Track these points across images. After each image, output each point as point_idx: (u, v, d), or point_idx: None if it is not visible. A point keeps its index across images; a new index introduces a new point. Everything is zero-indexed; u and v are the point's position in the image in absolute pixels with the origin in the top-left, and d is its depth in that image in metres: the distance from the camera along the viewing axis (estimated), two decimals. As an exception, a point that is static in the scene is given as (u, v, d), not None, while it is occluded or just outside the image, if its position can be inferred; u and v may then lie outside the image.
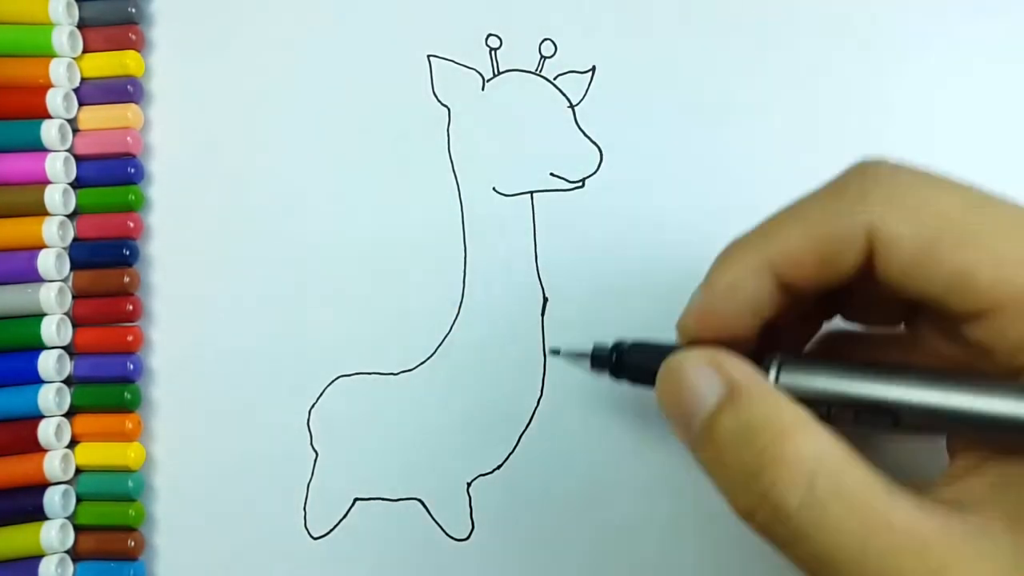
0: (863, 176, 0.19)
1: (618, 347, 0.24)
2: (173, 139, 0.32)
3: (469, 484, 0.30)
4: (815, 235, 0.19)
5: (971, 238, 0.17)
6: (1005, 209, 0.18)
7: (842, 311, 0.23)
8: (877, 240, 0.18)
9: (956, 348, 0.20)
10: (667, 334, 0.29)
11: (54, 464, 0.30)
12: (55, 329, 0.31)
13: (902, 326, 0.23)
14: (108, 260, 0.31)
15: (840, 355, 0.23)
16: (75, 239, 0.32)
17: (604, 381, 0.29)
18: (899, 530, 0.17)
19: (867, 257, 0.18)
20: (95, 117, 0.32)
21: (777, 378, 0.20)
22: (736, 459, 0.18)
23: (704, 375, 0.19)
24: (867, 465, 0.18)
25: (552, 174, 0.30)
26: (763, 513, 0.18)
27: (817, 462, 0.18)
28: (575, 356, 0.25)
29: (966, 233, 0.17)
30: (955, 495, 0.19)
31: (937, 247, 0.17)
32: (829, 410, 0.19)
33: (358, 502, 0.30)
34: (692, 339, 0.21)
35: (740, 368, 0.19)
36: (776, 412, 0.18)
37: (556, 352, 0.26)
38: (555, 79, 0.31)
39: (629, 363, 0.23)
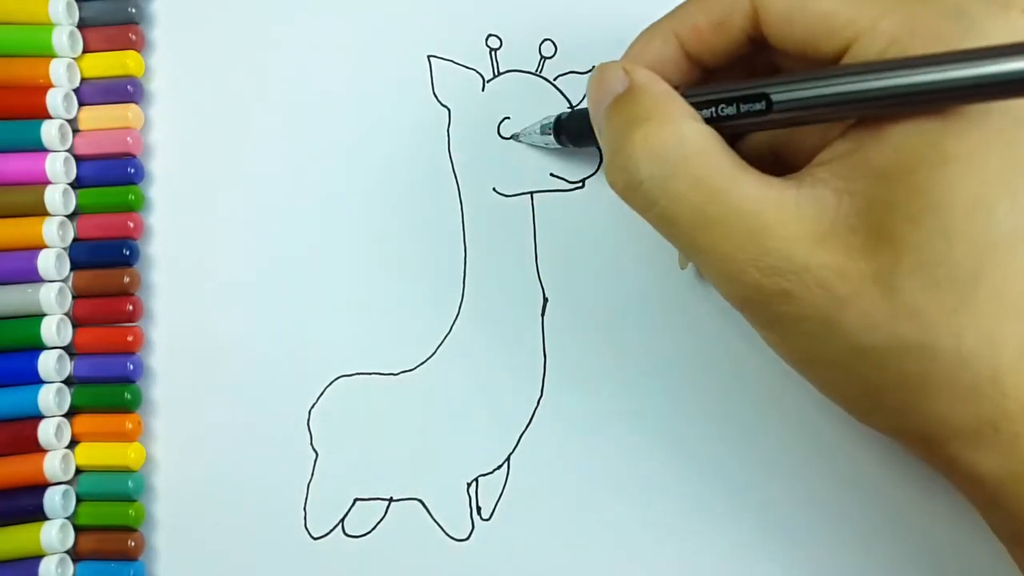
0: None
1: (560, 114, 0.28)
2: (173, 139, 0.32)
3: (469, 484, 0.30)
4: (709, 4, 0.23)
5: None
6: None
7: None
8: (757, 2, 0.22)
9: None
10: (667, 334, 0.30)
11: (54, 464, 0.30)
12: (55, 329, 0.31)
13: None
14: (108, 260, 0.31)
15: None
16: (75, 239, 0.32)
17: (604, 381, 0.30)
18: (733, 199, 0.21)
19: (754, 21, 0.22)
20: (95, 117, 0.32)
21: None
22: (615, 137, 0.23)
23: (614, 74, 0.24)
24: (729, 154, 0.22)
25: (552, 174, 0.30)
26: (621, 182, 0.23)
27: (671, 145, 0.22)
28: (528, 130, 0.30)
29: None
30: (812, 169, 0.22)
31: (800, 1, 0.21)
32: (717, 110, 0.22)
33: (358, 502, 0.30)
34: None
35: (645, 74, 0.23)
36: (654, 106, 0.22)
37: (514, 137, 0.30)
38: (555, 79, 0.31)
39: (568, 124, 0.28)
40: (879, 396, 0.22)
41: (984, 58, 0.18)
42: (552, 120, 0.29)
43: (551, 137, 0.29)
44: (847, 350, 0.21)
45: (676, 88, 0.23)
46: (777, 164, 0.23)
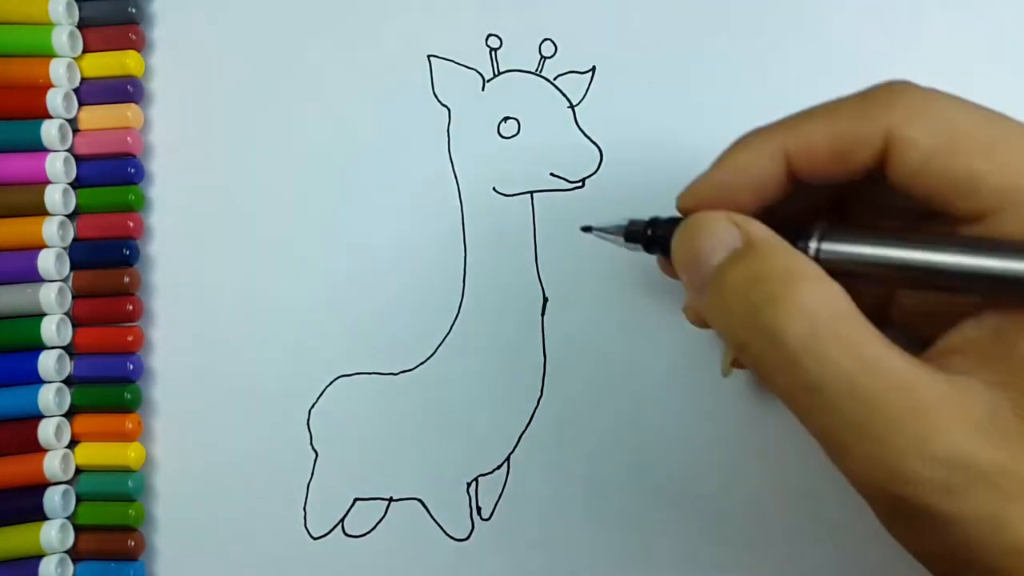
0: (891, 90, 0.21)
1: (654, 221, 0.25)
2: (173, 139, 0.32)
3: (469, 484, 0.30)
4: (835, 131, 0.21)
5: (981, 148, 0.19)
6: (1019, 127, 0.20)
7: (844, 217, 0.25)
8: (893, 143, 0.20)
9: None
10: (667, 334, 0.30)
11: (54, 464, 0.30)
12: (55, 329, 0.31)
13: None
14: (108, 260, 0.31)
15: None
16: (75, 239, 0.32)
17: (604, 380, 0.30)
18: (889, 373, 0.19)
19: (879, 160, 0.20)
20: (95, 117, 0.32)
21: (819, 243, 0.21)
22: (743, 300, 0.20)
23: (724, 227, 0.21)
24: (868, 323, 0.20)
25: (552, 174, 0.30)
26: (759, 342, 0.20)
27: (821, 308, 0.19)
28: (608, 233, 0.26)
29: (978, 144, 0.19)
30: (947, 355, 0.20)
31: (949, 153, 0.19)
32: (868, 274, 0.21)
33: (358, 502, 0.30)
34: (689, 210, 0.23)
35: (758, 226, 0.21)
36: (789, 263, 0.20)
37: (587, 229, 0.27)
38: (555, 79, 0.31)
39: (664, 236, 0.24)
40: None
41: None
42: (640, 224, 0.25)
43: (639, 247, 0.25)
44: (1005, 552, 0.18)
45: (793, 228, 0.22)
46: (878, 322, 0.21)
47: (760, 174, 0.22)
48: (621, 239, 0.25)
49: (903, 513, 0.19)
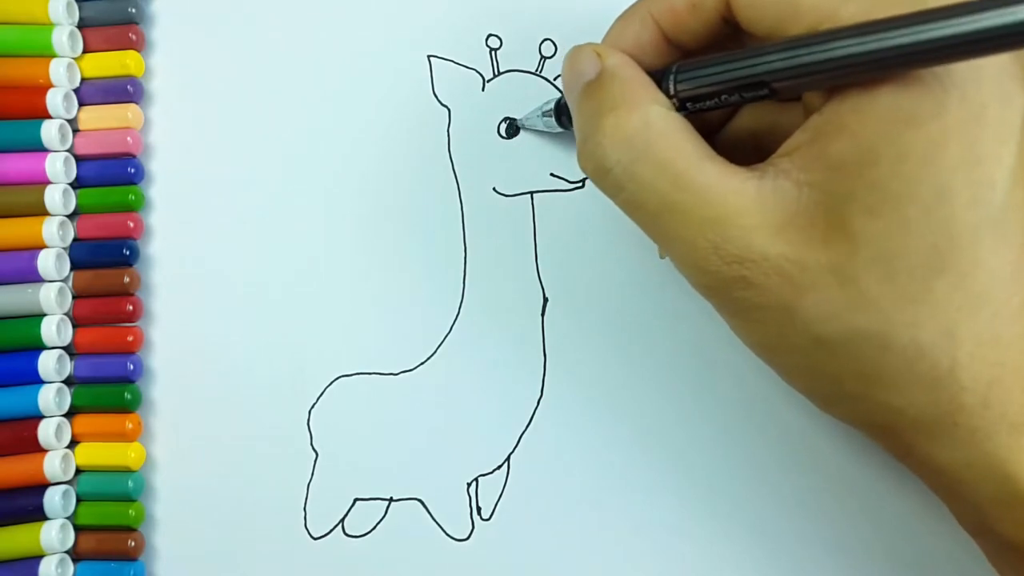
0: None
1: (559, 99, 0.28)
2: (173, 139, 0.32)
3: (469, 484, 0.30)
4: None
5: None
6: None
7: None
8: None
9: None
10: (667, 334, 0.30)
11: (54, 464, 0.30)
12: (55, 329, 0.31)
13: None
14: (108, 260, 0.31)
15: None
16: (75, 239, 0.32)
17: (604, 381, 0.30)
18: (696, 187, 0.21)
19: (725, 4, 0.22)
20: (95, 117, 0.32)
21: (675, 80, 0.23)
22: (585, 123, 0.23)
23: (587, 58, 0.24)
24: (695, 142, 0.22)
25: (552, 174, 0.30)
26: (591, 167, 0.23)
27: (638, 131, 0.22)
28: (536, 119, 0.30)
29: None
30: (776, 160, 0.22)
31: None
32: (721, 98, 0.22)
33: (358, 502, 0.30)
34: None
35: (615, 57, 0.24)
36: (621, 92, 0.23)
37: (514, 133, 0.30)
38: (555, 79, 0.31)
39: (567, 109, 0.27)
40: (838, 385, 0.22)
41: (931, 20, 0.18)
42: (553, 103, 0.29)
43: (552, 120, 0.29)
44: (805, 338, 0.21)
45: (659, 69, 0.23)
46: (759, 151, 0.23)
47: (636, 40, 0.24)
48: (552, 120, 0.28)
49: (724, 306, 0.23)
